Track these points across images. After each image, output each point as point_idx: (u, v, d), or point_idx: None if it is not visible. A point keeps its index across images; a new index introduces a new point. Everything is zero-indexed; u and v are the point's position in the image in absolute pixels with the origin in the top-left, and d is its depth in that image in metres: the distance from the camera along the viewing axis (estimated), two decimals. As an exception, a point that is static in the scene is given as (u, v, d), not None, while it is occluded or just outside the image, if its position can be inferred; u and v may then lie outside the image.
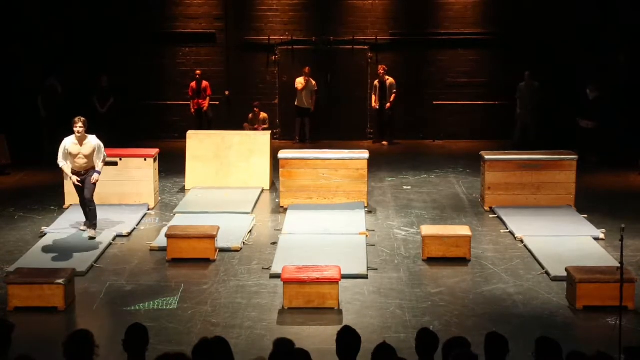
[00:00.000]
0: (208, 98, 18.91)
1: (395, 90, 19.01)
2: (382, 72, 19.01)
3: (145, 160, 13.79)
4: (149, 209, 13.51)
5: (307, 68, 19.12)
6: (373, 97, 19.16)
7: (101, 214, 12.85)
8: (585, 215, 13.00)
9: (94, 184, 11.86)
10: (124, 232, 12.24)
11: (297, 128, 19.42)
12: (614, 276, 9.08)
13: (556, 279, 10.30)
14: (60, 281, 9.42)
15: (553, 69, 18.73)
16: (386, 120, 19.24)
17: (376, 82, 19.13)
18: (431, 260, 11.10)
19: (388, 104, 18.99)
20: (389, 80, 19.03)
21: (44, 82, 18.24)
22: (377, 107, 19.10)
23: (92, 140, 11.84)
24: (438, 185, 15.43)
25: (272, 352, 5.78)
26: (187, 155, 15.09)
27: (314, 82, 19.18)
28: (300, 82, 19.09)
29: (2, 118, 17.47)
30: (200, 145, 15.11)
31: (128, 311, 9.46)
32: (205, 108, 18.91)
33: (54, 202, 13.86)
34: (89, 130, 11.90)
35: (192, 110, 18.94)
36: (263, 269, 10.81)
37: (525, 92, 18.40)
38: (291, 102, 19.31)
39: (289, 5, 19.70)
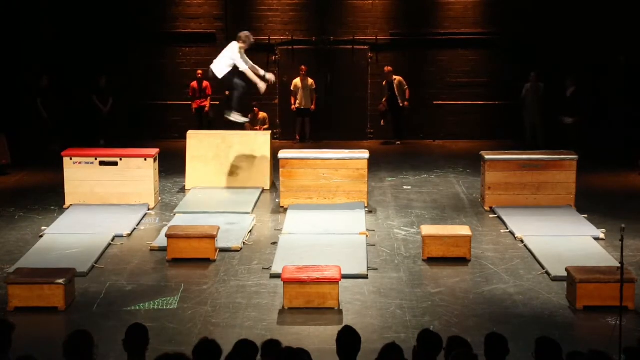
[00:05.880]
0: (209, 98, 18.91)
1: (407, 87, 19.01)
2: (387, 72, 18.98)
3: (145, 160, 13.78)
4: (149, 209, 13.50)
5: (303, 67, 19.11)
6: (384, 99, 19.14)
7: (101, 214, 12.89)
8: (585, 215, 12.99)
9: None
10: (124, 232, 12.23)
11: (297, 128, 19.42)
12: (614, 276, 9.08)
13: (556, 279, 10.30)
14: (60, 281, 9.42)
15: (553, 69, 18.70)
16: (401, 119, 19.20)
17: (384, 83, 19.11)
18: (431, 260, 11.09)
19: (406, 102, 18.97)
20: (397, 79, 19.00)
21: (40, 83, 18.20)
22: (385, 109, 19.07)
23: None
24: (438, 185, 15.42)
25: (260, 354, 5.74)
26: (187, 155, 15.07)
27: (311, 81, 19.17)
28: (296, 83, 19.09)
29: (2, 118, 17.46)
30: (200, 145, 15.09)
31: (128, 311, 9.45)
32: (207, 108, 18.90)
33: (54, 202, 13.86)
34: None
35: (193, 110, 18.94)
36: (263, 269, 10.81)
37: (531, 93, 18.33)
38: (290, 103, 19.31)
39: (289, 5, 19.69)
